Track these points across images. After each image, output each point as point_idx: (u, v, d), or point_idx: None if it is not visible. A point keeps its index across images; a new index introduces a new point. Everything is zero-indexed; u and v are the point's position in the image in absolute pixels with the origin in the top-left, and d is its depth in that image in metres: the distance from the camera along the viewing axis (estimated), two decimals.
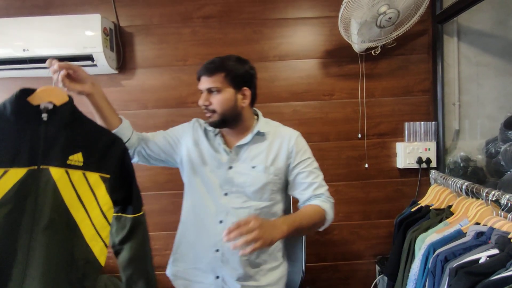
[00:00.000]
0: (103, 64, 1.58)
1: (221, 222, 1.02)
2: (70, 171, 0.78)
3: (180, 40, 1.72)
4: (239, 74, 1.01)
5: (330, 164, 1.74)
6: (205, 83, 1.00)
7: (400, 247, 1.23)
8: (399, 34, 1.54)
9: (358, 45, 1.61)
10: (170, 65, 1.72)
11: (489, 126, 1.72)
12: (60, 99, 0.80)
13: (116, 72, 1.70)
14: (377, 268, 1.72)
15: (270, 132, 1.07)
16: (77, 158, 0.79)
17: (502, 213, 1.01)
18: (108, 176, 0.82)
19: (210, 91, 1.00)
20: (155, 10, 1.72)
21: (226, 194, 1.03)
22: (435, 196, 1.38)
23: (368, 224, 1.78)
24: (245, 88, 1.03)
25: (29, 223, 0.72)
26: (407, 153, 1.70)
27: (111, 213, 0.83)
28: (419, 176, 1.73)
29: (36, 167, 0.75)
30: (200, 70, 1.03)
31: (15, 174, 0.73)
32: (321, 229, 1.03)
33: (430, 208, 1.30)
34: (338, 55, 1.72)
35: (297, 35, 1.73)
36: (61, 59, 1.54)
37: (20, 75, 1.67)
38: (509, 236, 0.89)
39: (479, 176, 1.63)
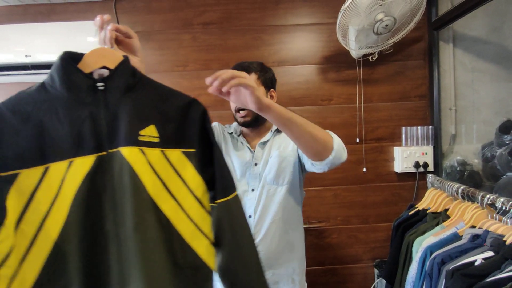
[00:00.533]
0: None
1: (250, 217, 1.06)
2: (146, 150, 0.62)
3: (181, 46, 1.75)
4: (268, 76, 1.10)
5: None
6: None
7: (397, 250, 1.25)
8: (396, 41, 1.57)
9: (355, 51, 1.64)
10: (170, 71, 1.74)
11: (485, 131, 1.74)
12: (114, 61, 0.65)
13: None
14: (376, 271, 1.74)
15: None
16: (150, 132, 0.63)
17: (497, 216, 1.03)
18: (193, 150, 0.66)
19: None
20: (156, 16, 1.74)
21: (253, 190, 1.08)
22: (432, 199, 1.40)
23: (367, 227, 1.79)
24: (272, 89, 1.12)
25: (113, 228, 0.59)
26: (404, 157, 1.72)
27: (206, 198, 0.66)
28: (416, 180, 1.75)
29: (105, 152, 0.60)
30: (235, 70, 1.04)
31: (82, 165, 0.59)
32: (326, 161, 0.91)
33: (427, 211, 1.32)
34: (336, 61, 1.75)
35: (296, 41, 1.76)
36: None
37: (22, 80, 1.69)
38: (504, 239, 0.91)
39: (476, 180, 1.65)
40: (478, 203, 1.13)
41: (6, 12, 1.71)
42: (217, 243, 0.65)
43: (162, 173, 0.62)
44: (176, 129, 0.65)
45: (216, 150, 0.67)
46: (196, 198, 0.64)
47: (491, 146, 1.63)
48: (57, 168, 0.59)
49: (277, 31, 1.75)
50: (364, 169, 1.77)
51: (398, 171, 1.75)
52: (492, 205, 1.10)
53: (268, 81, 1.10)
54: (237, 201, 0.68)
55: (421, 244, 1.10)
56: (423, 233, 1.17)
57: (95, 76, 0.64)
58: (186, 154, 0.64)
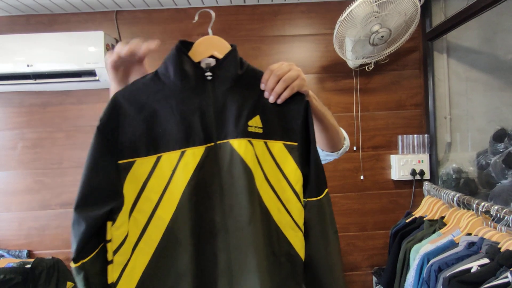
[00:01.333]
0: (105, 79, 1.63)
1: None
2: (254, 141, 0.62)
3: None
4: None
5: (327, 176, 1.76)
6: None
7: (395, 257, 1.26)
8: (391, 51, 1.61)
9: (352, 61, 1.67)
10: None
11: (480, 139, 1.77)
12: (223, 50, 0.64)
13: None
14: (374, 279, 1.74)
15: None
16: (255, 123, 0.63)
17: (492, 224, 1.06)
18: (295, 144, 0.65)
19: None
20: (156, 27, 1.78)
21: None
22: (428, 207, 1.42)
23: (365, 235, 1.81)
24: None
25: (221, 219, 0.60)
26: (401, 165, 1.75)
27: (302, 192, 0.66)
28: (413, 187, 1.77)
29: (213, 143, 0.61)
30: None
31: (193, 156, 0.60)
32: (341, 150, 0.93)
33: (424, 219, 1.34)
34: (333, 70, 1.79)
35: (294, 51, 1.79)
36: (64, 74, 1.60)
37: (24, 89, 1.71)
38: (499, 246, 0.93)
39: (471, 188, 1.67)
40: (473, 210, 1.15)
41: (8, 22, 1.74)
42: (305, 238, 0.66)
43: (265, 165, 0.63)
44: (279, 121, 0.64)
45: (314, 146, 0.65)
46: (295, 192, 0.64)
47: (485, 154, 1.66)
48: (169, 157, 0.60)
49: (275, 41, 1.78)
50: (362, 177, 1.79)
51: (395, 179, 1.77)
52: (487, 212, 1.13)
53: None
54: (328, 199, 0.67)
55: (418, 252, 1.12)
56: (420, 240, 1.19)
57: (203, 65, 0.63)
58: (287, 147, 0.64)
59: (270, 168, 0.63)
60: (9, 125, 1.76)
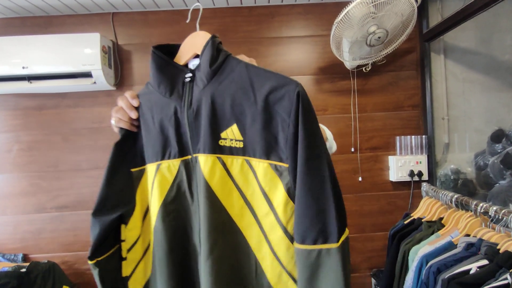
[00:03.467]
0: (102, 81, 1.62)
1: None
2: (226, 158, 0.49)
3: None
4: None
5: None
6: None
7: (394, 259, 1.25)
8: (388, 52, 1.60)
9: (349, 63, 1.67)
10: None
11: (477, 140, 1.77)
12: (202, 46, 0.55)
13: (113, 88, 1.74)
14: (373, 281, 1.73)
15: None
16: (232, 134, 0.50)
17: (491, 225, 1.05)
18: (285, 165, 0.49)
19: None
20: (153, 29, 1.77)
21: None
22: (426, 208, 1.42)
23: (363, 237, 1.80)
24: None
25: (198, 243, 0.54)
26: (399, 166, 1.74)
27: None
28: (411, 188, 1.76)
29: (189, 156, 0.54)
30: None
31: (169, 170, 0.54)
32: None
33: (422, 220, 1.33)
34: (330, 71, 1.78)
35: (292, 52, 1.79)
36: (60, 76, 1.59)
37: (19, 91, 1.70)
38: (498, 247, 0.92)
39: (469, 188, 1.67)
40: (472, 211, 1.14)
41: (3, 24, 1.73)
42: None
43: (246, 190, 0.49)
44: (264, 130, 0.48)
45: (318, 164, 0.49)
46: (285, 232, 0.48)
47: (483, 155, 1.66)
48: (150, 170, 0.61)
49: (273, 43, 1.78)
50: (360, 178, 1.78)
51: (393, 180, 1.76)
52: (486, 213, 1.12)
53: None
54: (344, 249, 0.47)
55: (417, 253, 1.11)
56: (418, 241, 1.18)
57: (191, 67, 0.57)
58: (275, 168, 0.48)
59: (255, 195, 0.49)
60: (5, 128, 1.74)
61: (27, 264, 1.59)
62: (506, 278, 0.80)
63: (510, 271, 0.81)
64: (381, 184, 1.80)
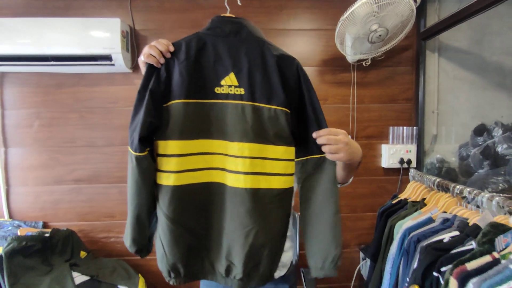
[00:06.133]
0: (120, 64, 1.73)
1: None
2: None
3: None
4: None
5: None
6: None
7: (381, 233, 1.44)
8: (387, 49, 1.74)
9: (351, 57, 1.81)
10: None
11: (462, 133, 1.94)
12: None
13: (130, 71, 1.85)
14: (361, 255, 1.93)
15: None
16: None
17: (465, 204, 1.23)
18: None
19: None
20: (168, 16, 1.87)
21: None
22: (412, 191, 1.60)
23: (355, 216, 1.98)
24: None
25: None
26: (390, 154, 1.91)
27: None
28: (400, 174, 1.94)
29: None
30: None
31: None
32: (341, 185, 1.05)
33: (408, 200, 1.51)
34: (333, 64, 1.92)
35: (298, 44, 1.91)
36: (81, 57, 1.69)
37: (40, 70, 1.80)
38: (468, 221, 1.10)
39: (452, 176, 1.85)
40: (450, 193, 1.32)
41: (24, 5, 1.80)
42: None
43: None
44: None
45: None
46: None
47: (467, 146, 1.84)
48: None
49: (280, 34, 1.90)
50: None
51: (385, 166, 1.94)
52: (462, 194, 1.30)
53: None
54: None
55: (401, 227, 1.29)
56: (403, 218, 1.36)
57: None
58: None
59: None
60: (26, 104, 1.85)
61: (48, 230, 1.74)
62: (471, 244, 0.98)
63: (475, 239, 0.99)
64: (373, 170, 1.97)
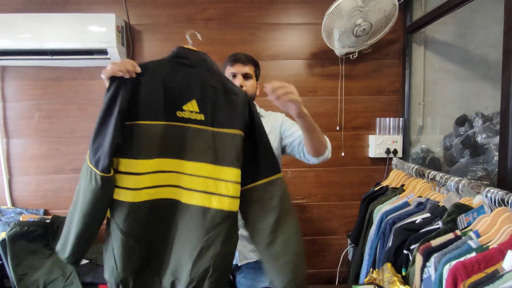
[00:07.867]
0: (116, 57, 1.80)
1: None
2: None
3: (184, 39, 1.94)
4: (259, 72, 1.33)
5: None
6: (242, 69, 1.25)
7: (363, 217, 1.52)
8: (373, 43, 1.80)
9: (338, 50, 1.87)
10: None
11: (448, 124, 1.99)
12: None
13: None
14: (348, 241, 2.01)
15: (266, 114, 1.36)
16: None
17: (438, 188, 1.30)
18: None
19: (245, 76, 1.25)
20: (163, 11, 1.93)
21: None
22: (394, 178, 1.67)
23: (343, 204, 2.06)
24: (259, 82, 1.33)
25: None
26: (377, 144, 1.98)
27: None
28: (387, 164, 2.01)
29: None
30: (236, 57, 1.26)
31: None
32: (321, 157, 1.17)
33: (389, 187, 1.59)
34: (321, 57, 1.98)
35: (287, 38, 1.97)
36: (78, 52, 1.76)
37: (39, 64, 1.88)
38: (439, 204, 1.18)
39: (436, 165, 1.91)
40: (426, 179, 1.40)
41: (24, 1, 1.87)
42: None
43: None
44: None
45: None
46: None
47: (450, 137, 1.90)
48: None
49: (271, 28, 1.96)
50: (343, 154, 2.02)
51: (372, 156, 2.01)
52: (435, 179, 1.37)
53: (258, 74, 1.32)
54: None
55: (380, 211, 1.36)
56: (383, 203, 1.44)
57: None
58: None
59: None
60: (26, 97, 1.93)
61: (49, 217, 1.83)
62: (438, 224, 1.06)
63: (442, 219, 1.06)
64: (361, 159, 2.04)
